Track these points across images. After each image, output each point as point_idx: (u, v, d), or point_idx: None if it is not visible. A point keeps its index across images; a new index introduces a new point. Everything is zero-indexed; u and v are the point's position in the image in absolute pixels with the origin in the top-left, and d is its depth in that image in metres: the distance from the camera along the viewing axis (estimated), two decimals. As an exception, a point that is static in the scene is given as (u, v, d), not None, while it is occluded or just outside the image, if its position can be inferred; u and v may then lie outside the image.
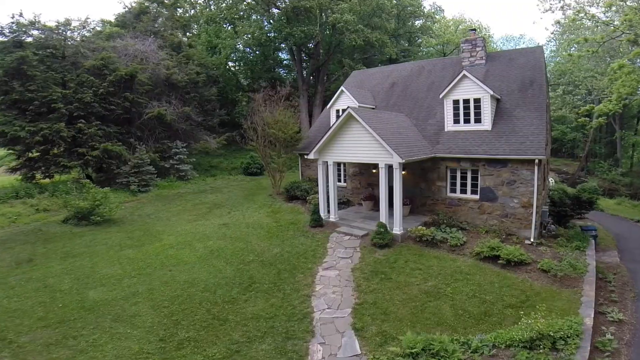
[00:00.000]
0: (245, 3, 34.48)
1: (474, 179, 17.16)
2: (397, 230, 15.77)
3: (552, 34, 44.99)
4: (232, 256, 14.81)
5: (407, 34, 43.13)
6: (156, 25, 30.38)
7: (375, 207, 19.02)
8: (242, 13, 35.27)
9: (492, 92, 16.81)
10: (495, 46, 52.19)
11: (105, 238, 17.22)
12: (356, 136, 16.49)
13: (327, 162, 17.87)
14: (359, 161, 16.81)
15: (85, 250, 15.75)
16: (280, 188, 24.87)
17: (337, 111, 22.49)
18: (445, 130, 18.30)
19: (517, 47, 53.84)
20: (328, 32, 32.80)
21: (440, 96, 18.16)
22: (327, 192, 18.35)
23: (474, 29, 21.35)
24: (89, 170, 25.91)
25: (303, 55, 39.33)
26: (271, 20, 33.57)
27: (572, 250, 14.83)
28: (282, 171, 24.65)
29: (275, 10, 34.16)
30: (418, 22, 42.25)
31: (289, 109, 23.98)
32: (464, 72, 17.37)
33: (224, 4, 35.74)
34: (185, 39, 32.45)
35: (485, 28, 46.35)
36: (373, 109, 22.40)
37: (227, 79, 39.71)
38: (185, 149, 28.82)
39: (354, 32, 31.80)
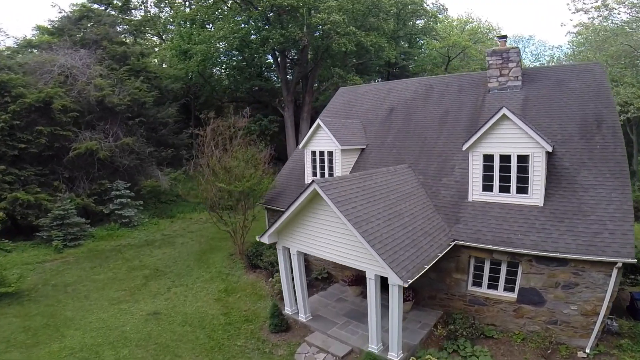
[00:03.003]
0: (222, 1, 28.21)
1: (511, 272, 11.07)
2: (393, 356, 9.76)
3: (575, 34, 38.86)
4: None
5: (408, 35, 36.65)
6: (97, 33, 24.18)
7: (365, 293, 12.84)
8: (218, 13, 29.04)
9: (549, 146, 10.50)
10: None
11: (-11, 328, 12.03)
12: (328, 225, 10.38)
13: (289, 249, 11.82)
14: (336, 261, 10.63)
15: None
16: (244, 242, 18.86)
17: (313, 153, 16.28)
18: (470, 199, 12.06)
19: (526, 49, 47.33)
20: (318, 34, 26.55)
21: (464, 147, 11.83)
22: (294, 283, 12.37)
23: (504, 36, 14.91)
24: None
25: (288, 61, 33.00)
26: (250, 21, 27.35)
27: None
28: (244, 227, 18.47)
29: (256, 11, 27.88)
30: (419, 22, 35.77)
31: (249, 146, 17.72)
32: (504, 110, 11.00)
33: (201, 3, 29.70)
34: (139, 46, 26.13)
35: (495, 29, 39.73)
36: (363, 149, 16.17)
37: (208, 90, 33.58)
38: (128, 190, 22.73)
39: (343, 36, 25.43)
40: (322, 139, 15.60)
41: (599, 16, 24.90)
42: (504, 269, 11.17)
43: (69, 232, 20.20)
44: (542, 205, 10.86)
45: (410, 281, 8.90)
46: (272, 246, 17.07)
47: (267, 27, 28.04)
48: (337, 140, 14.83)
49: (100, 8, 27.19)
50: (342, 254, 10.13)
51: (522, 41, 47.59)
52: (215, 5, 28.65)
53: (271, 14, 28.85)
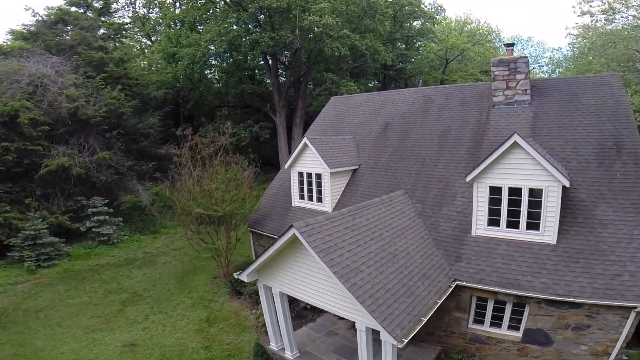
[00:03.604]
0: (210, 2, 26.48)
1: (517, 312, 9.85)
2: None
3: (575, 36, 37.58)
4: None
5: (405, 37, 34.99)
6: (73, 38, 22.50)
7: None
8: (209, 14, 27.38)
9: (566, 181, 9.08)
10: (504, 51, 43.81)
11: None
12: (313, 271, 9.04)
13: (270, 288, 10.47)
14: (323, 308, 9.19)
15: None
16: (229, 264, 17.44)
17: (300, 174, 14.81)
18: (474, 234, 10.68)
19: (525, 51, 45.92)
20: (311, 37, 24.96)
21: (468, 179, 10.44)
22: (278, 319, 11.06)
23: (512, 44, 13.41)
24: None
25: (280, 64, 31.36)
26: (240, 24, 25.73)
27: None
28: (228, 249, 16.99)
29: (246, 13, 26.23)
30: (417, 23, 34.15)
31: (231, 165, 16.23)
32: (516, 137, 9.57)
33: (191, 4, 28.15)
34: (119, 51, 24.44)
35: (495, 31, 38.19)
36: (356, 170, 14.69)
37: (197, 94, 31.96)
38: (106, 207, 21.22)
39: (337, 39, 23.82)
40: (309, 159, 14.12)
41: (606, 20, 23.50)
42: (508, 308, 9.94)
43: (42, 252, 18.78)
44: (554, 243, 9.59)
45: (406, 340, 7.56)
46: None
47: (257, 29, 26.42)
48: (326, 163, 13.36)
49: (79, 11, 25.48)
50: (330, 302, 8.79)
51: (521, 42, 46.30)
52: (205, 6, 27.04)
53: (262, 16, 27.24)
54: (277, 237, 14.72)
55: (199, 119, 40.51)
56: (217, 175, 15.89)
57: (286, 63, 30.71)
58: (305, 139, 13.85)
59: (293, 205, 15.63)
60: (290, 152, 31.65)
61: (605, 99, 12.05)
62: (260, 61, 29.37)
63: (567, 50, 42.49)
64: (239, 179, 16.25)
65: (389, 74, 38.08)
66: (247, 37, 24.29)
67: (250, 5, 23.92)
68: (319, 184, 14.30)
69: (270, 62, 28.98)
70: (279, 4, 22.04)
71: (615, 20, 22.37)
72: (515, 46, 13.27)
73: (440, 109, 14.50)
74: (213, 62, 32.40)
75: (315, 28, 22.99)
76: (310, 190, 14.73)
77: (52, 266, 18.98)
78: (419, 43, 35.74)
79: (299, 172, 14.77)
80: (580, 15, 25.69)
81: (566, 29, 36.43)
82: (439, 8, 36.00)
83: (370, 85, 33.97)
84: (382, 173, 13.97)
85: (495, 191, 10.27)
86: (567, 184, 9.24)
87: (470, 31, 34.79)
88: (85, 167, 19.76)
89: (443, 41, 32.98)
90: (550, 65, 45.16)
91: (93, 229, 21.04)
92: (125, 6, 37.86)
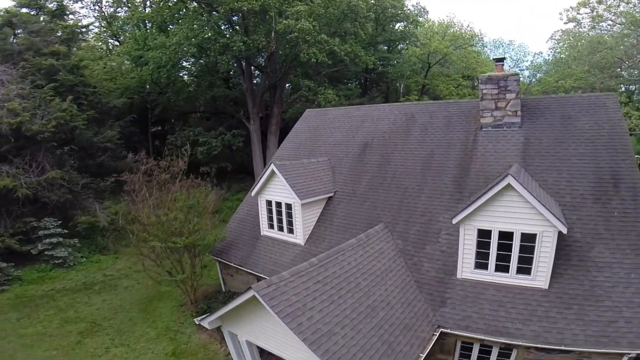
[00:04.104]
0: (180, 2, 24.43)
1: (503, 354, 9.11)
2: None
3: (555, 40, 37.55)
4: None
5: (387, 41, 33.71)
6: (20, 43, 20.23)
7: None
8: (181, 13, 25.32)
9: (564, 227, 8.11)
10: (488, 53, 43.22)
11: None
12: (280, 329, 7.69)
13: (237, 335, 9.05)
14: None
15: None
16: (196, 291, 15.91)
17: (268, 203, 13.34)
18: (459, 277, 9.63)
19: (507, 54, 45.86)
20: (286, 40, 23.34)
21: (454, 221, 9.30)
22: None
23: (502, 59, 12.23)
24: None
25: (254, 68, 29.60)
26: (211, 25, 23.83)
27: None
28: (193, 277, 15.38)
29: (216, 14, 24.31)
30: (399, 25, 32.96)
31: (191, 190, 14.59)
32: (510, 180, 8.50)
33: (161, 3, 26.07)
34: (75, 57, 22.17)
35: (478, 35, 37.48)
36: (330, 198, 13.30)
37: (164, 100, 29.88)
38: (60, 228, 19.26)
39: (314, 45, 22.27)
40: (278, 187, 12.67)
41: (591, 27, 22.96)
42: (495, 351, 9.13)
43: (-14, 278, 16.75)
44: (546, 287, 8.86)
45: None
46: (226, 304, 14.19)
47: (229, 32, 24.61)
48: (296, 193, 11.92)
49: (31, 13, 23.12)
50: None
51: (503, 46, 45.95)
52: (176, 5, 25.01)
53: (235, 18, 25.43)
54: (244, 269, 13.46)
55: (170, 123, 38.45)
56: (175, 202, 14.25)
57: (261, 67, 28.96)
58: (272, 166, 12.37)
59: (262, 234, 14.23)
60: (265, 161, 30.06)
61: (602, 123, 11.06)
62: (233, 64, 27.52)
63: (548, 55, 42.52)
64: (202, 205, 14.64)
65: (370, 77, 36.81)
66: (218, 41, 22.47)
67: (220, 6, 22.13)
68: (289, 215, 12.88)
69: (244, 66, 27.20)
70: (250, 6, 20.36)
71: (602, 28, 21.74)
72: (504, 62, 12.03)
73: (423, 129, 13.23)
74: (185, 64, 30.41)
75: (291, 33, 21.39)
76: (280, 221, 13.31)
77: (1, 292, 17.10)
78: (402, 45, 34.57)
79: (267, 201, 13.30)
80: (566, 22, 25.21)
81: (552, 37, 36.10)
82: (422, 10, 34.89)
83: (350, 89, 32.59)
84: (359, 202, 12.65)
85: (484, 234, 9.29)
86: (565, 231, 8.41)
87: (453, 35, 33.84)
88: (33, 188, 17.71)
89: (426, 45, 31.94)
90: (531, 70, 45.06)
91: (46, 252, 19.10)
92: (91, 4, 35.30)
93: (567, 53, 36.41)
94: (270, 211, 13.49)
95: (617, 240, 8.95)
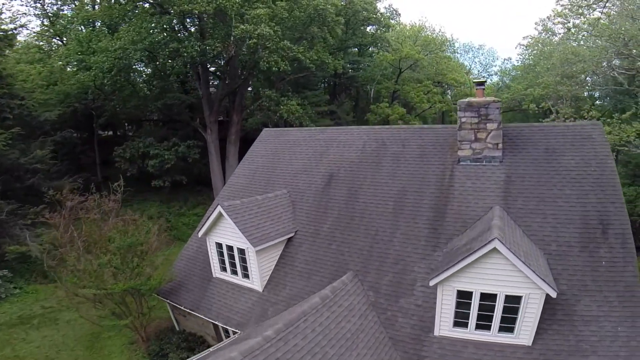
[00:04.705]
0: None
1: None
2: None
3: (524, 46, 37.95)
4: None
5: (358, 45, 32.49)
6: None
7: None
8: (131, 14, 22.75)
9: (553, 292, 7.45)
10: (458, 57, 43.10)
11: None
12: None
13: None
14: None
15: None
16: (148, 325, 14.16)
17: (219, 245, 11.66)
18: (437, 334, 8.60)
19: (476, 59, 46.25)
20: (246, 46, 21.41)
21: (432, 283, 8.19)
22: None
23: (482, 82, 11.07)
24: None
25: (211, 75, 27.44)
26: (161, 28, 21.46)
27: None
28: (142, 315, 13.50)
29: (167, 16, 21.94)
30: (370, 29, 31.81)
31: (128, 227, 12.66)
32: (497, 244, 7.46)
33: (111, 1, 23.42)
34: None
35: (450, 40, 37.48)
36: (291, 238, 11.77)
37: (110, 108, 27.14)
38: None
39: (275, 51, 20.52)
40: (227, 230, 11.08)
41: (567, 38, 22.60)
42: None
43: None
44: (530, 344, 8.12)
45: None
46: (180, 346, 12.63)
47: (184, 35, 22.35)
48: (249, 240, 10.31)
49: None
50: None
51: (472, 50, 46.04)
52: (125, 6, 22.45)
53: (190, 20, 23.21)
54: (197, 314, 11.85)
55: (122, 127, 35.47)
56: (110, 243, 12.31)
57: (219, 73, 26.84)
58: (219, 208, 10.71)
59: (214, 275, 12.56)
60: (224, 174, 27.99)
61: (588, 159, 10.22)
62: (187, 70, 25.26)
63: (517, 61, 42.89)
64: (142, 242, 12.76)
65: (340, 81, 35.46)
66: (168, 46, 20.26)
67: (171, 8, 19.94)
68: (243, 259, 11.26)
69: (200, 71, 25.02)
70: (203, 9, 18.34)
71: (577, 39, 21.43)
72: (484, 86, 10.88)
73: (395, 160, 11.92)
74: (139, 67, 27.69)
75: (250, 39, 19.55)
76: (233, 265, 11.70)
77: None
78: (373, 49, 33.46)
79: (216, 243, 11.61)
80: (540, 33, 24.95)
81: (519, 44, 36.22)
82: (395, 12, 33.85)
83: (317, 95, 31.03)
84: (324, 245, 11.22)
85: (464, 295, 8.30)
86: (555, 295, 7.60)
87: (424, 39, 33.12)
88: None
89: (397, 51, 31.00)
90: (499, 75, 45.43)
91: (-32, 285, 16.55)
92: (32, 1, 31.65)
93: (535, 60, 36.59)
94: (221, 254, 11.84)
95: (605, 292, 8.41)
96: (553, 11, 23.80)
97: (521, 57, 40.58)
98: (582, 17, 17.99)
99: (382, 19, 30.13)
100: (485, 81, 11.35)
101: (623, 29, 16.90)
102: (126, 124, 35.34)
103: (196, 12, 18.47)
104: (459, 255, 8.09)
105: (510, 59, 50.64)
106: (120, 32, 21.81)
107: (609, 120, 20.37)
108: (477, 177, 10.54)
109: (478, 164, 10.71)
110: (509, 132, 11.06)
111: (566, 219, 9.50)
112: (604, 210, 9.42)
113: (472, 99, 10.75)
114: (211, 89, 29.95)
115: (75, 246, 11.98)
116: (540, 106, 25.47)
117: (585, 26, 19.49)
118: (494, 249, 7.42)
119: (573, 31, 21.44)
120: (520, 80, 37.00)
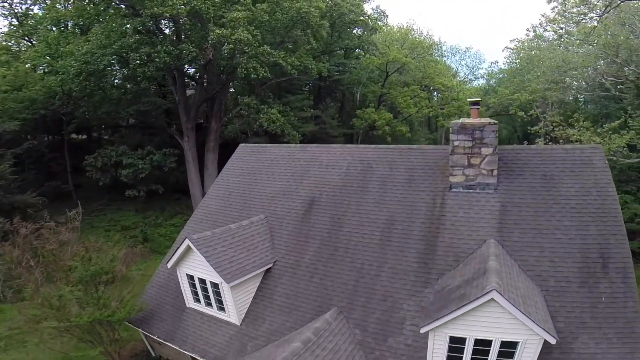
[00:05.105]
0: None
1: None
2: None
3: (511, 50, 37.96)
4: None
5: (344, 49, 31.51)
6: None
7: None
8: (101, 15, 21.25)
9: (552, 339, 6.98)
10: (445, 59, 42.75)
11: None
12: None
13: None
14: None
15: None
16: (123, 347, 13.29)
17: (190, 277, 10.71)
18: None
19: (463, 62, 46.20)
20: (224, 50, 20.24)
21: (422, 330, 7.60)
22: None
23: (477, 102, 10.35)
24: None
25: (189, 79, 26.17)
26: (132, 31, 20.06)
27: None
28: (115, 342, 12.42)
29: (138, 19, 20.50)
30: (357, 31, 30.93)
31: (96, 252, 11.58)
32: (494, 293, 6.95)
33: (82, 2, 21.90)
34: None
35: (438, 44, 37.06)
36: (270, 269, 10.90)
37: (79, 115, 25.59)
38: None
39: (254, 57, 19.44)
40: (198, 262, 10.13)
41: (558, 45, 22.33)
42: None
43: None
44: None
45: None
46: None
47: (158, 39, 21.06)
48: (222, 276, 9.41)
49: None
50: None
51: (459, 53, 45.83)
52: (97, 7, 20.98)
53: (164, 22, 21.93)
54: (171, 345, 10.93)
55: (98, 129, 33.84)
56: (71, 273, 11.23)
57: (195, 77, 25.59)
58: (187, 241, 9.73)
59: (188, 306, 11.61)
60: (203, 184, 26.71)
61: (588, 187, 9.62)
62: (162, 75, 23.91)
63: (504, 64, 42.84)
64: (108, 272, 11.70)
65: (325, 84, 34.49)
66: (139, 50, 18.97)
67: (142, 11, 18.68)
68: (217, 293, 10.33)
69: (176, 76, 23.74)
70: (174, 12, 17.19)
71: (568, 46, 21.12)
72: (479, 106, 10.16)
73: (382, 184, 11.13)
74: (114, 71, 26.17)
75: (226, 45, 18.46)
76: (207, 297, 10.75)
77: None
78: (360, 51, 32.66)
79: (188, 275, 10.64)
80: (531, 40, 24.64)
81: (507, 47, 36.25)
82: (382, 13, 33.03)
83: (300, 100, 30.01)
84: (306, 277, 10.41)
85: (456, 340, 7.66)
86: (554, 342, 7.07)
87: (412, 42, 32.49)
88: None
89: (384, 54, 30.26)
90: (485, 77, 45.32)
91: None
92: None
93: (522, 64, 36.48)
94: (193, 285, 10.90)
95: (604, 329, 8.01)
96: (543, 16, 23.50)
97: (508, 60, 40.47)
98: (576, 25, 17.59)
99: (369, 22, 29.25)
100: (481, 100, 10.66)
101: (621, 37, 16.61)
102: (103, 126, 33.76)
103: (167, 15, 17.27)
104: (452, 302, 7.41)
105: (497, 62, 50.74)
106: (90, 35, 20.43)
107: (599, 130, 20.06)
108: (470, 206, 9.84)
109: (471, 191, 10.01)
110: (505, 155, 10.39)
111: (565, 252, 8.94)
112: (605, 243, 8.90)
113: (466, 121, 10.03)
114: (192, 92, 28.72)
115: (32, 277, 10.82)
116: (529, 114, 25.13)
117: (577, 34, 19.14)
118: (492, 299, 6.72)
119: (564, 39, 21.11)
120: (507, 84, 36.81)
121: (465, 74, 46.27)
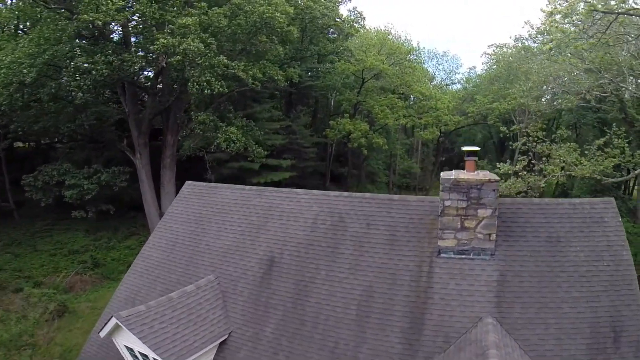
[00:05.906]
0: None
1: None
2: None
3: (488, 55, 37.49)
4: None
5: (316, 56, 29.62)
6: None
7: None
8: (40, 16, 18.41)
9: None
10: (423, 65, 41.76)
11: None
12: None
13: None
14: None
15: None
16: None
17: (130, 349, 8.77)
18: None
19: (440, 66, 45.69)
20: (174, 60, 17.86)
21: None
22: None
23: (474, 152, 8.76)
24: None
25: (139, 90, 23.58)
26: (66, 39, 17.34)
27: None
28: None
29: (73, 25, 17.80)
30: (332, 35, 29.14)
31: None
32: None
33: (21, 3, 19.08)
34: None
35: (417, 49, 36.06)
36: (225, 341, 9.03)
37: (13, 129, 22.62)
38: None
39: (207, 69, 17.23)
40: (135, 337, 8.12)
41: (547, 58, 21.60)
42: None
43: None
44: None
45: None
46: None
47: (98, 47, 18.53)
48: (164, 359, 7.44)
49: None
50: None
51: (437, 57, 45.00)
52: (31, 9, 18.25)
53: (102, 31, 19.38)
54: None
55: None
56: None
57: (148, 87, 23.08)
58: (115, 319, 7.74)
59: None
60: (160, 203, 24.26)
61: (600, 250, 8.33)
62: (103, 85, 21.12)
63: (482, 70, 42.37)
64: (32, 335, 9.57)
65: (296, 90, 32.53)
66: (74, 59, 16.46)
67: (75, 17, 16.24)
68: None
69: (125, 86, 21.20)
70: (109, 19, 14.87)
71: (557, 60, 20.34)
72: (476, 156, 8.59)
73: (357, 245, 9.42)
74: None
75: (170, 58, 16.30)
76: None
77: None
78: (334, 56, 30.93)
79: (127, 347, 8.65)
80: (513, 47, 23.89)
81: (485, 52, 35.56)
82: (359, 15, 31.25)
83: (269, 110, 28.00)
84: (269, 354, 8.65)
85: None
86: None
87: (390, 47, 31.02)
88: None
89: (360, 61, 28.64)
90: (463, 82, 44.77)
91: None
92: None
93: (500, 71, 35.98)
94: (135, 357, 8.89)
95: None
96: (527, 23, 22.73)
97: (486, 66, 39.86)
98: (572, 42, 16.68)
99: (344, 26, 27.45)
100: (478, 150, 9.06)
101: (621, 58, 15.80)
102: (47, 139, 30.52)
103: (100, 22, 14.90)
104: None
105: (475, 68, 50.56)
106: (20, 40, 17.74)
107: (586, 151, 19.19)
108: (463, 276, 8.29)
109: (464, 257, 8.45)
110: (503, 212, 8.86)
111: (573, 328, 7.61)
112: (617, 315, 7.68)
113: (461, 176, 8.42)
114: (149, 100, 26.16)
115: None
116: (512, 129, 24.24)
117: (571, 47, 18.29)
118: None
119: (554, 51, 20.30)
120: (485, 92, 36.16)
121: (442, 78, 45.55)
